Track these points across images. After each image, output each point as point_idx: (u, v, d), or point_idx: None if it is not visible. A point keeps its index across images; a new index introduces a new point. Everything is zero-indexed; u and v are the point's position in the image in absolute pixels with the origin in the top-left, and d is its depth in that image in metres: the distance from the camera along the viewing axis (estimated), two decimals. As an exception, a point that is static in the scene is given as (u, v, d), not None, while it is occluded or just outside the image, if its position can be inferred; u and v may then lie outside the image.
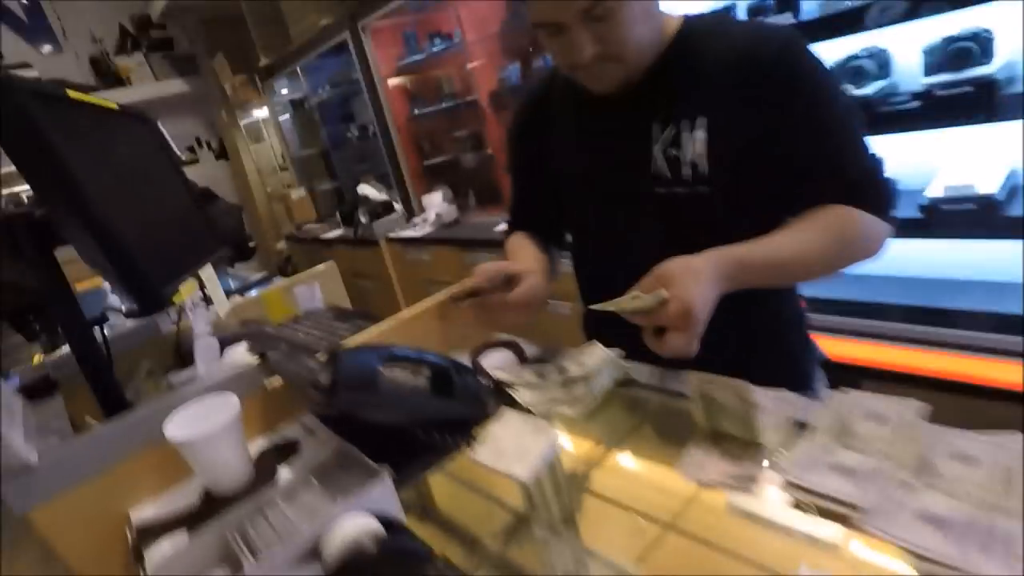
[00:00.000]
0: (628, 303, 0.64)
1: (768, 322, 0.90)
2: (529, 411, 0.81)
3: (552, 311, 2.10)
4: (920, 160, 1.65)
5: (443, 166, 3.45)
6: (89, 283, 1.73)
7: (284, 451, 0.79)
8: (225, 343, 1.12)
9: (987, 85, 1.37)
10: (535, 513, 0.63)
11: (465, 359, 0.96)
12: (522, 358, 0.98)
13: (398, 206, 3.59)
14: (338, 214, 4.01)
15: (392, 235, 3.34)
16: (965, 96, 1.40)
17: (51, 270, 0.84)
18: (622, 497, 0.66)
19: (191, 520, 0.69)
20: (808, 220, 0.76)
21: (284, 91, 4.66)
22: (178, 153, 5.13)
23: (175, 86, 5.18)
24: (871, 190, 0.77)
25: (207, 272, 1.30)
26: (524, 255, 0.96)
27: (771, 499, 0.57)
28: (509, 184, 1.12)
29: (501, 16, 2.80)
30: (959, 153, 1.62)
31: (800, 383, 0.90)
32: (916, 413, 0.58)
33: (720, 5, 1.80)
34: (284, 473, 0.75)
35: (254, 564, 0.54)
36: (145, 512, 0.74)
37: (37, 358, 1.43)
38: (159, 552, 0.66)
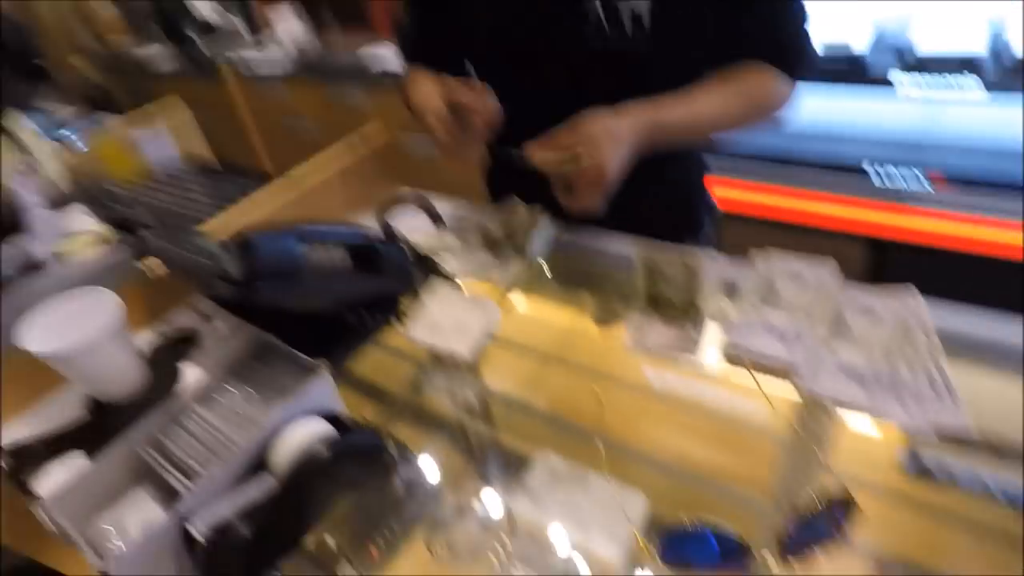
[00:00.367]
0: (551, 158, 0.66)
1: (672, 172, 0.90)
2: (455, 280, 0.77)
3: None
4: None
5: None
6: None
7: (182, 345, 0.69)
8: (56, 206, 0.91)
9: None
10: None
11: (371, 221, 0.87)
12: (436, 218, 0.91)
13: (236, 19, 2.98)
14: (159, 29, 3.26)
15: (232, 55, 2.78)
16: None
17: None
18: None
19: (83, 436, 0.60)
20: (722, 81, 0.75)
21: None
22: None
23: None
24: (793, 55, 0.77)
25: (20, 121, 1.01)
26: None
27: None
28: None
29: None
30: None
31: (693, 230, 0.94)
32: (830, 273, 0.63)
33: None
34: (191, 372, 0.66)
35: (191, 487, 0.48)
36: (15, 431, 0.63)
37: None
38: (52, 479, 0.57)
